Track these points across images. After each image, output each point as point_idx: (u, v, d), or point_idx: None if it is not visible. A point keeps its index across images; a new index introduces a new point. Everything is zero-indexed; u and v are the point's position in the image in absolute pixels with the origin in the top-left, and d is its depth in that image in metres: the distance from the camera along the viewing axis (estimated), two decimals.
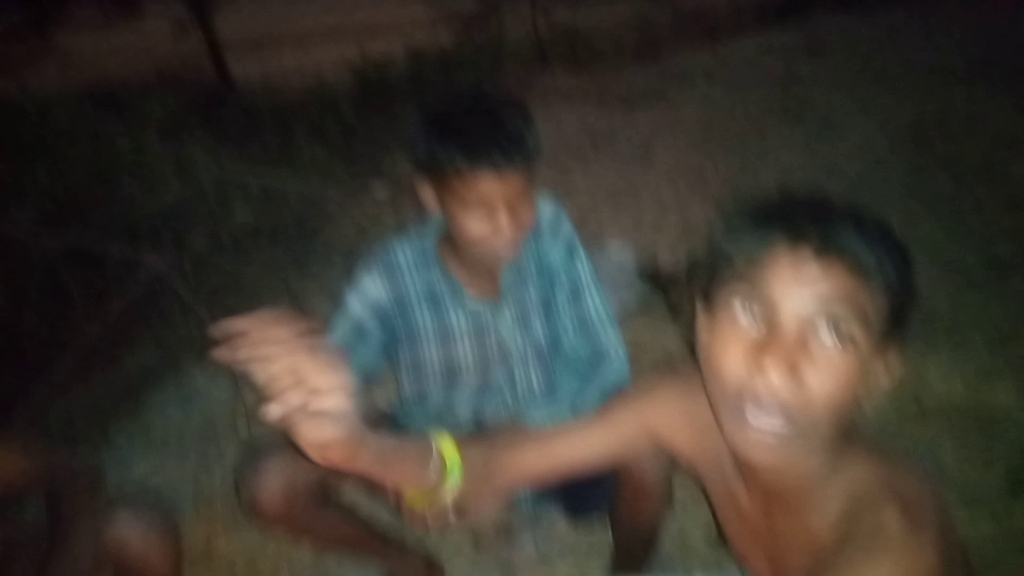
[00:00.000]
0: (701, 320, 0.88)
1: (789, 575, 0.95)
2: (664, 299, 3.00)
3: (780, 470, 0.88)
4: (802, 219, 0.77)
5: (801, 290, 0.76)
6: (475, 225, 1.32)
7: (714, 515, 1.11)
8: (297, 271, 3.24)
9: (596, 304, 1.58)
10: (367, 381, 1.58)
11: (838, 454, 0.88)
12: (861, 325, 0.76)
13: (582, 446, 1.09)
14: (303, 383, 0.71)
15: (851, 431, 0.92)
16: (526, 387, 1.61)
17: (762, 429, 0.78)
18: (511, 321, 1.55)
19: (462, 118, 1.30)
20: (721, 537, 1.91)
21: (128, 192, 3.53)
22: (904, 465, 0.91)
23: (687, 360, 2.62)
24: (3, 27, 14.16)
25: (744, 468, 0.96)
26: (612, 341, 1.58)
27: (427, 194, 1.39)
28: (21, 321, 2.53)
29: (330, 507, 1.57)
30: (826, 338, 0.76)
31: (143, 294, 2.72)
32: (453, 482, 0.93)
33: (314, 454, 0.74)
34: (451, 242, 1.49)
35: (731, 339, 0.80)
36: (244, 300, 2.97)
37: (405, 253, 1.53)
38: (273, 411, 0.71)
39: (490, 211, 1.31)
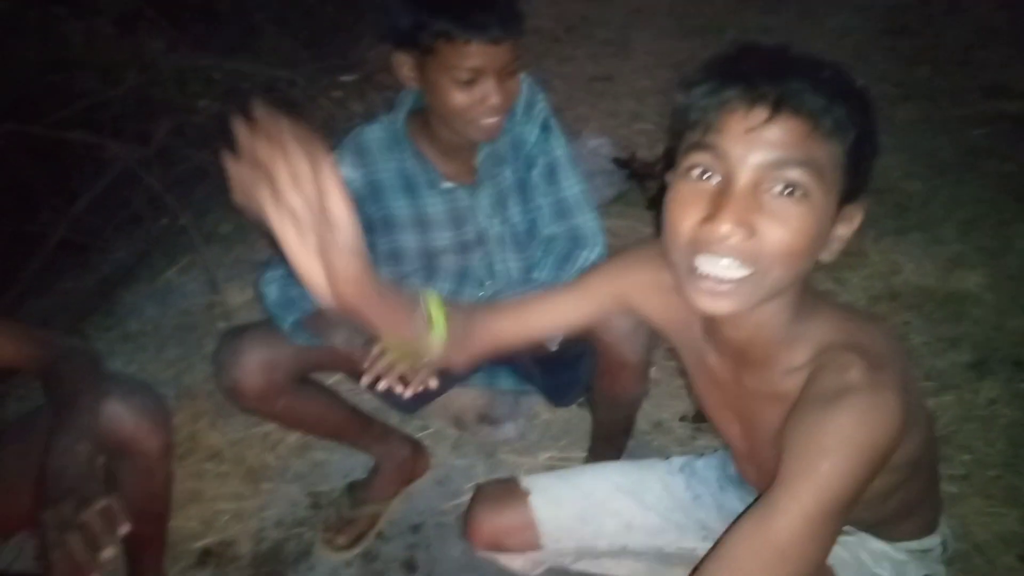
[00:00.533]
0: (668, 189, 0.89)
1: (759, 434, 0.99)
2: (640, 188, 2.99)
3: (741, 324, 0.89)
4: (755, 73, 0.77)
5: (755, 144, 0.75)
6: (463, 96, 1.29)
7: (688, 386, 1.15)
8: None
9: (572, 184, 1.56)
10: None
11: (802, 311, 0.89)
12: (815, 175, 0.76)
13: (557, 311, 1.11)
14: (325, 214, 0.69)
15: (817, 292, 0.95)
16: (503, 271, 1.60)
17: (716, 276, 0.78)
18: (488, 204, 1.53)
19: None
20: (700, 413, 1.99)
21: (85, 85, 3.37)
22: (869, 323, 0.94)
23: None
24: None
25: (711, 328, 0.98)
26: (589, 223, 1.57)
27: (408, 69, 1.34)
28: None
29: (312, 389, 1.59)
30: (779, 188, 0.76)
31: (109, 187, 2.64)
32: (437, 336, 0.94)
33: (337, 287, 0.73)
34: (426, 123, 1.45)
35: (686, 195, 0.80)
36: (212, 190, 2.91)
37: (376, 137, 1.49)
38: (298, 248, 0.69)
39: (479, 81, 1.28)
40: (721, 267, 0.78)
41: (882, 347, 0.88)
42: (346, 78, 3.26)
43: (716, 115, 0.78)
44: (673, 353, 1.12)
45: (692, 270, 0.80)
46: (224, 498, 1.95)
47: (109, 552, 1.05)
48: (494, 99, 1.31)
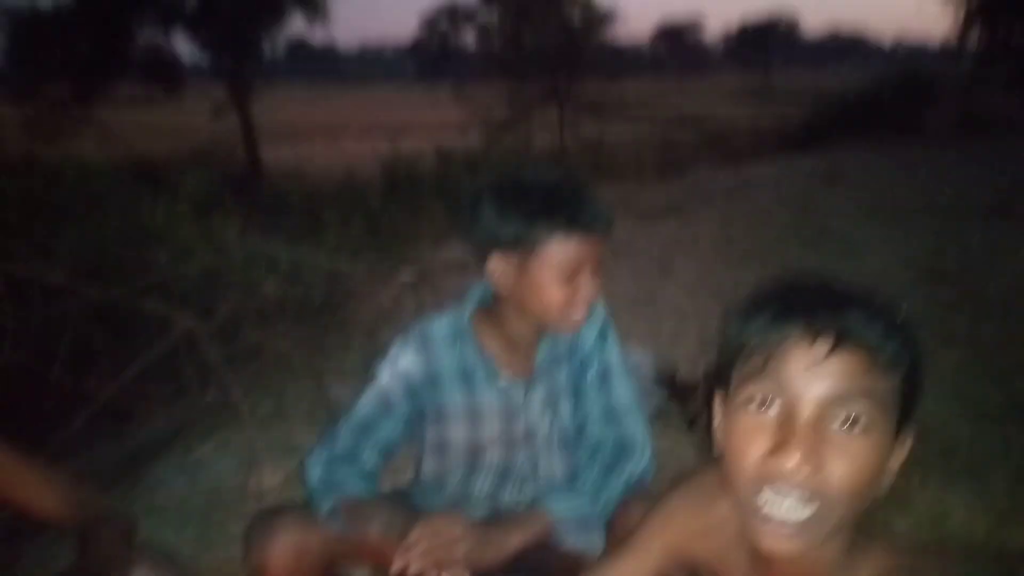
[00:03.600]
0: (718, 416, 0.88)
1: None
2: (680, 408, 2.99)
3: (798, 560, 0.85)
4: (817, 308, 0.78)
5: (817, 378, 0.76)
6: (561, 291, 1.37)
7: None
8: (318, 348, 3.26)
9: (624, 391, 1.57)
10: (388, 456, 1.57)
11: (858, 544, 0.86)
12: (877, 408, 0.76)
13: None
14: None
15: (870, 522, 0.91)
16: (548, 473, 1.58)
17: (783, 518, 0.77)
18: (541, 402, 1.55)
19: (548, 188, 1.37)
20: None
21: (159, 259, 3.60)
22: (925, 555, 0.89)
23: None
24: (50, 97, 14.84)
25: (759, 561, 0.94)
26: (638, 431, 1.56)
27: (504, 270, 1.41)
28: (48, 373, 2.54)
29: None
30: (844, 424, 0.76)
31: (167, 355, 2.72)
32: None
33: None
34: (491, 319, 1.51)
35: (749, 429, 0.80)
36: (265, 372, 2.97)
37: (441, 328, 1.55)
38: None
39: (575, 276, 1.36)
40: (786, 508, 0.77)
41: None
42: (405, 278, 3.43)
43: (777, 347, 0.79)
44: None
45: (757, 509, 0.79)
46: None
47: None
48: (589, 291, 1.38)
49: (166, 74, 17.43)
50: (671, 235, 5.57)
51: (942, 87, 14.35)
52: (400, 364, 1.52)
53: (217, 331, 2.81)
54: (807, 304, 0.79)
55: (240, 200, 5.98)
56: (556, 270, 1.37)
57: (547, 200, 1.36)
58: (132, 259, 3.67)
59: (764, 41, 67.91)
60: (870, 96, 14.57)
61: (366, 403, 1.52)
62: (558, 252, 1.36)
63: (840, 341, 0.76)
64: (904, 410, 0.80)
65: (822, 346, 0.76)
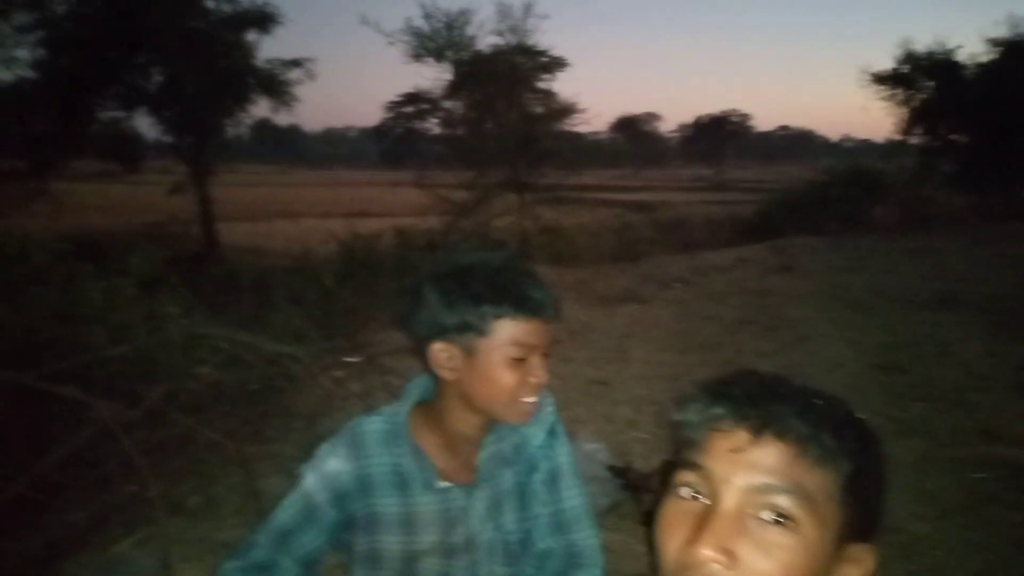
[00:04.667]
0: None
1: None
2: (635, 500, 2.87)
3: None
4: (745, 395, 0.76)
5: (741, 466, 0.73)
6: (511, 376, 1.29)
7: None
8: (254, 436, 3.08)
9: (574, 495, 1.47)
10: (310, 567, 1.42)
11: None
12: (804, 505, 0.72)
13: None
14: None
15: None
16: None
17: None
18: (483, 508, 1.43)
19: (493, 272, 1.31)
20: None
21: (92, 339, 3.42)
22: None
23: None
24: (4, 171, 14.60)
25: None
26: (589, 540, 1.45)
27: (448, 358, 1.32)
28: None
29: None
30: (766, 515, 0.71)
31: (85, 445, 2.53)
32: None
33: None
34: (431, 417, 1.40)
35: (673, 517, 0.76)
36: (192, 459, 2.79)
37: (374, 428, 1.43)
38: None
39: (524, 361, 1.30)
40: None
41: None
42: (350, 359, 3.31)
43: (703, 433, 0.76)
44: None
45: None
46: None
47: None
48: (540, 376, 1.31)
49: (125, 151, 17.32)
50: (628, 320, 5.56)
51: (888, 183, 14.97)
52: (327, 467, 1.39)
53: (145, 417, 2.63)
54: (737, 391, 0.77)
55: (190, 279, 5.83)
56: (505, 354, 1.30)
57: (493, 284, 1.30)
58: (64, 338, 3.49)
59: (717, 135, 70.62)
60: (819, 190, 15.11)
61: (288, 509, 1.38)
62: (507, 336, 1.29)
63: (763, 427, 0.73)
64: (853, 515, 0.75)
65: (743, 433, 0.73)
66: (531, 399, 1.35)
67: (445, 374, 1.35)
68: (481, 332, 1.30)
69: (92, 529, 2.68)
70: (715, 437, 0.75)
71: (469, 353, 1.31)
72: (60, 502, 2.65)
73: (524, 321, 1.30)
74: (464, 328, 1.30)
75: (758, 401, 0.75)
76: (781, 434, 0.73)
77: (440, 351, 1.33)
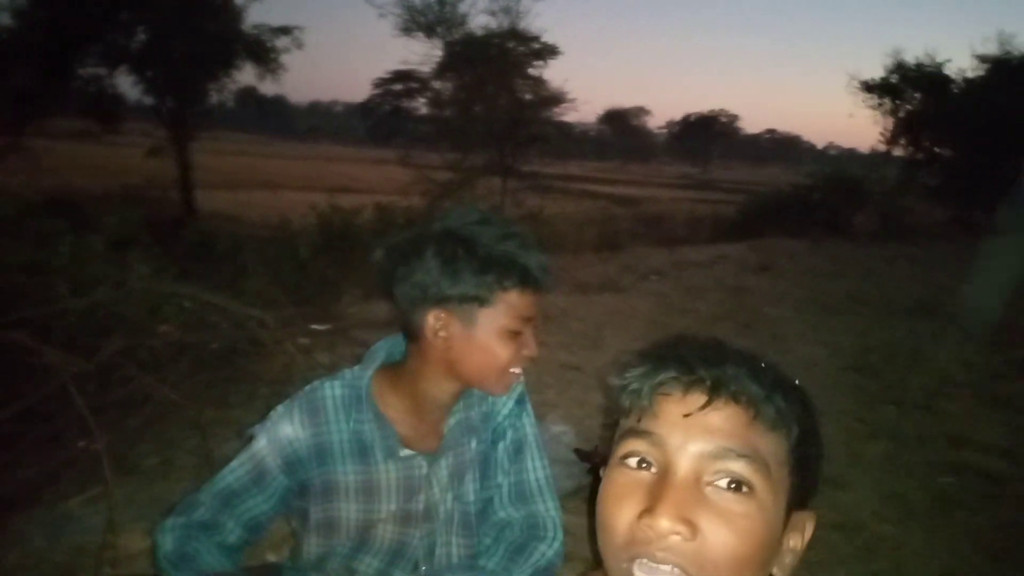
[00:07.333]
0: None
1: None
2: (598, 483, 2.83)
3: None
4: (694, 358, 0.73)
5: (694, 431, 0.70)
6: (507, 347, 1.27)
7: None
8: (218, 400, 3.00)
9: (538, 467, 1.43)
10: (255, 531, 1.36)
11: None
12: (760, 469, 0.69)
13: None
14: None
15: None
16: (444, 555, 1.40)
17: None
18: (445, 476, 1.37)
19: (497, 241, 1.26)
20: None
21: (56, 293, 3.32)
22: None
23: None
24: None
25: None
26: (550, 512, 1.41)
27: (444, 327, 1.26)
28: None
29: None
30: (722, 482, 0.68)
31: (40, 398, 2.44)
32: None
33: None
34: (397, 381, 1.34)
35: (622, 486, 0.71)
36: (150, 418, 2.70)
37: (334, 395, 1.35)
38: None
39: (523, 332, 1.28)
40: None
41: None
42: (318, 327, 3.24)
43: (651, 399, 0.73)
44: None
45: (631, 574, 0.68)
46: None
47: None
48: (532, 347, 1.30)
49: (105, 110, 16.98)
50: (605, 309, 5.52)
51: (870, 192, 15.09)
52: (281, 433, 1.31)
53: (101, 372, 2.54)
54: (685, 355, 0.74)
55: (165, 243, 5.71)
56: (503, 326, 1.26)
57: (500, 254, 1.25)
58: (27, 289, 3.38)
59: (705, 134, 70.84)
60: (802, 194, 15.19)
61: (236, 470, 1.31)
62: (508, 307, 1.25)
63: (717, 390, 0.71)
64: (799, 481, 0.73)
65: (698, 396, 0.71)
66: (518, 370, 1.32)
67: (436, 344, 1.28)
68: (484, 303, 1.25)
69: (44, 485, 2.60)
70: (665, 402, 0.72)
71: (467, 323, 1.26)
72: (12, 456, 2.57)
73: (528, 293, 1.27)
74: (465, 298, 1.24)
75: (710, 363, 0.72)
76: (736, 396, 0.70)
77: (435, 320, 1.26)
